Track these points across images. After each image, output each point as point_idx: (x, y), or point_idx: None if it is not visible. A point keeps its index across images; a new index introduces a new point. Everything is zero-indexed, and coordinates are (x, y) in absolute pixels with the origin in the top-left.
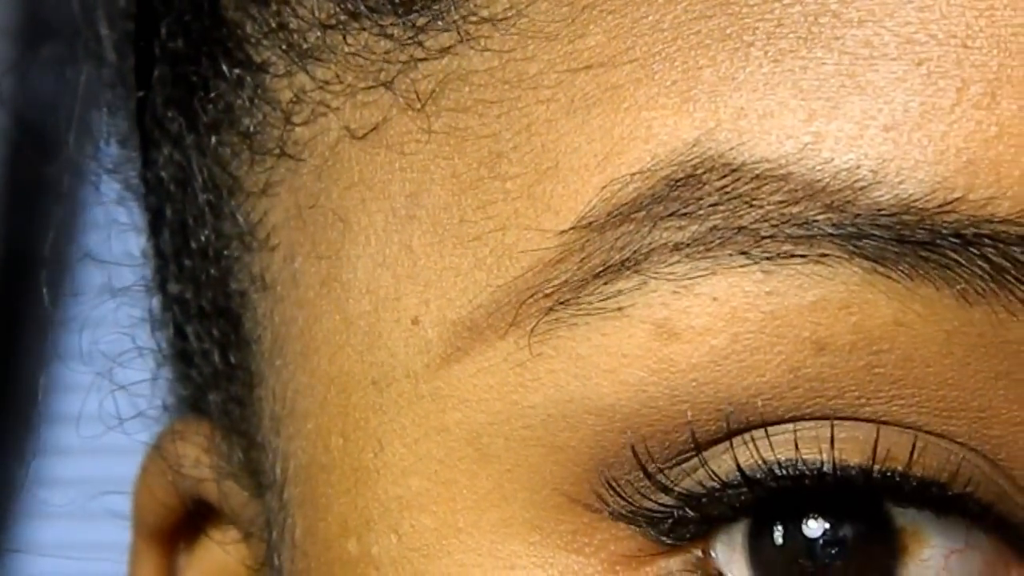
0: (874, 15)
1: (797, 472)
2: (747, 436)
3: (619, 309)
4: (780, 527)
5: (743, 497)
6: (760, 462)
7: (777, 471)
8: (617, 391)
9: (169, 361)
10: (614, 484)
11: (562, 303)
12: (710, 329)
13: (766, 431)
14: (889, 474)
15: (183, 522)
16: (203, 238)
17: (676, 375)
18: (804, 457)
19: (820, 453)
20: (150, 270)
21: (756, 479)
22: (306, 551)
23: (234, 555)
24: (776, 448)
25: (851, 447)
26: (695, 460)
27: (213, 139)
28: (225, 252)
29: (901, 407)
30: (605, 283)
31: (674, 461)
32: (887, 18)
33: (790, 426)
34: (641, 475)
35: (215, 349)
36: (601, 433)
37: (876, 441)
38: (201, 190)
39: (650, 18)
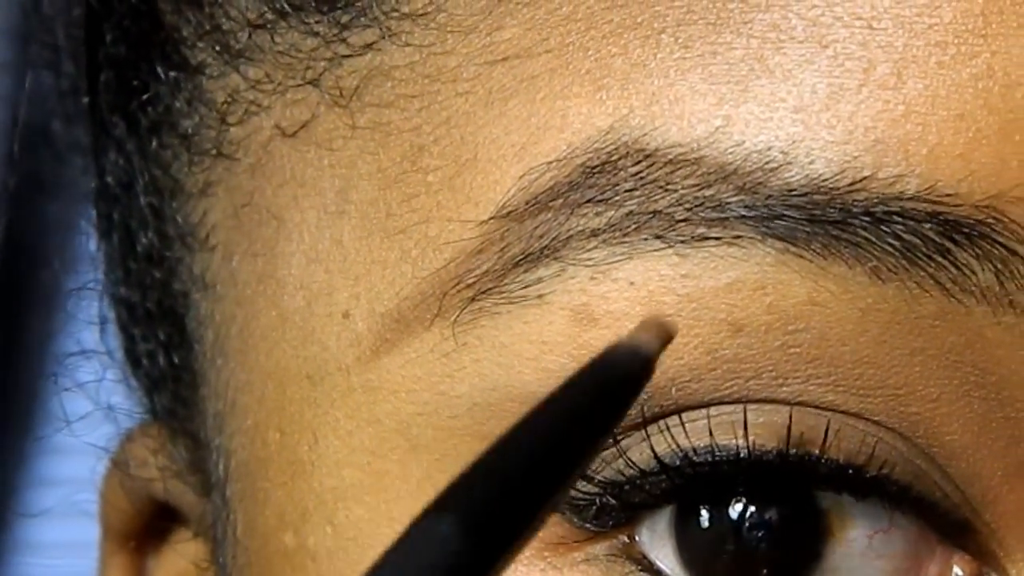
0: None
1: (714, 459)
2: (663, 424)
3: (539, 297)
4: (705, 511)
5: (663, 484)
6: (676, 449)
7: (694, 458)
8: (540, 378)
9: (121, 364)
10: None
11: (484, 292)
12: (628, 314)
13: (680, 418)
14: (805, 458)
15: (150, 524)
16: (146, 240)
17: None
18: (719, 443)
19: (735, 438)
20: (101, 274)
21: (674, 466)
22: (247, 546)
23: (190, 555)
24: (691, 435)
25: (767, 432)
26: (613, 449)
27: (154, 142)
28: (167, 254)
29: (818, 386)
30: (525, 271)
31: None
32: (794, 2)
33: (704, 411)
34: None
35: (160, 350)
36: None
37: (790, 425)
38: (143, 193)
39: (564, 9)
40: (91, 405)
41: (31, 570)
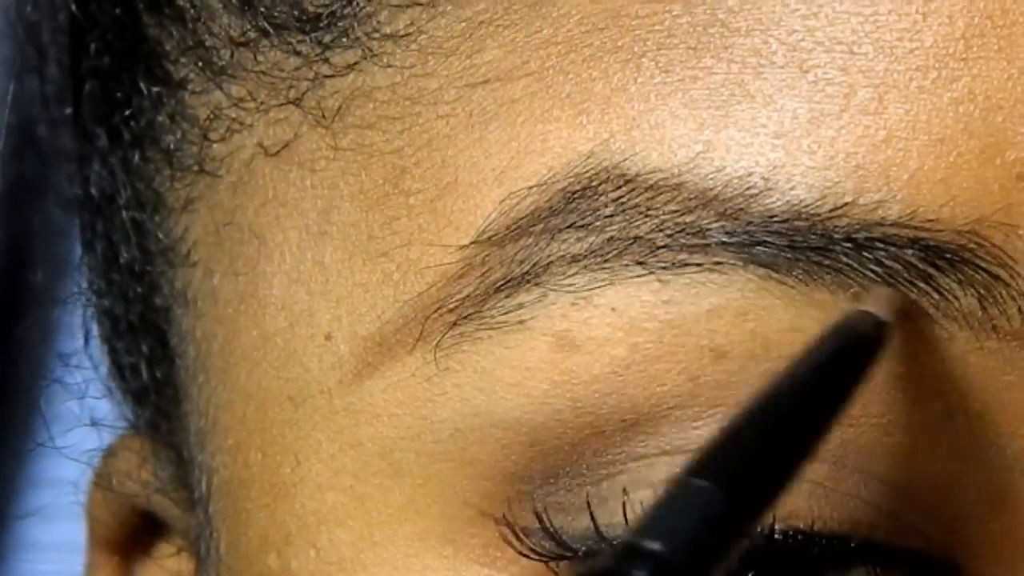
0: (761, 23)
1: None
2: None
3: (521, 322)
4: None
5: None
6: None
7: None
8: (522, 404)
9: (104, 375)
10: (523, 499)
11: (465, 317)
12: (609, 340)
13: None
14: (791, 537)
15: (134, 533)
16: (128, 254)
17: (579, 387)
18: None
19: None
20: (85, 284)
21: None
22: (230, 565)
23: (173, 567)
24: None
25: None
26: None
27: (136, 155)
28: (149, 268)
29: None
30: (506, 296)
31: (579, 480)
32: (774, 26)
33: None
34: (551, 489)
35: (143, 364)
36: (508, 446)
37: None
38: (126, 206)
39: (544, 32)
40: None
41: (31, 570)
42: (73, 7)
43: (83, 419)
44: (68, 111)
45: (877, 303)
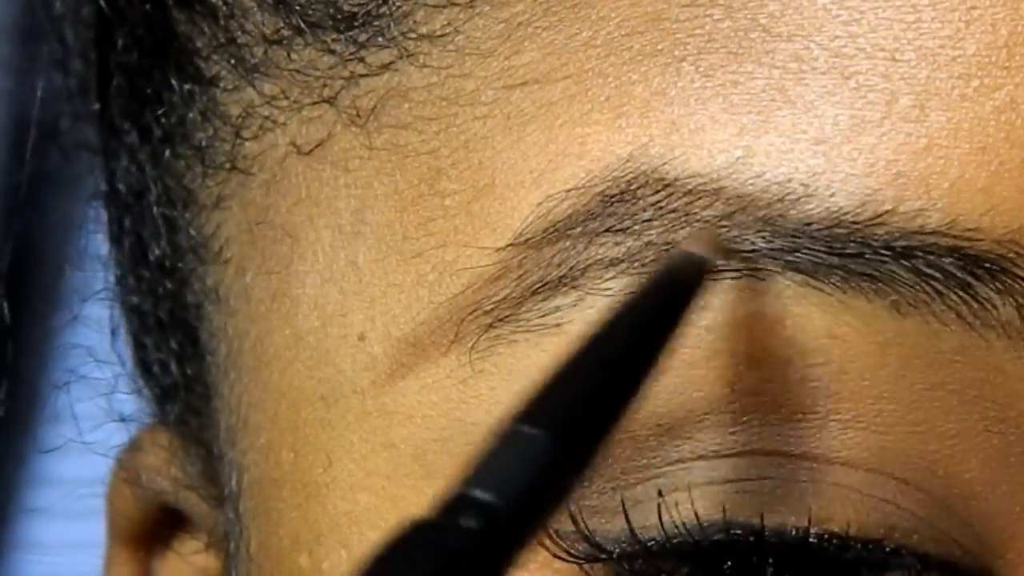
0: (803, 29)
1: (729, 536)
2: (676, 497)
3: (557, 325)
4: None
5: (677, 558)
6: (682, 526)
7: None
8: None
9: (130, 370)
10: None
11: (501, 320)
12: None
13: (691, 493)
14: (826, 540)
15: (156, 527)
16: (159, 250)
17: None
18: (733, 519)
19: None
20: (113, 280)
21: (684, 542)
22: (260, 564)
23: (199, 563)
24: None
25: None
26: (621, 519)
27: (167, 152)
28: (180, 264)
29: (837, 423)
30: (543, 299)
31: (613, 483)
32: (816, 32)
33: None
34: (585, 491)
35: (172, 361)
36: None
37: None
38: (156, 202)
39: (583, 34)
40: (92, 404)
41: (32, 568)
42: (101, 2)
43: (81, 418)
44: (95, 106)
45: (698, 244)
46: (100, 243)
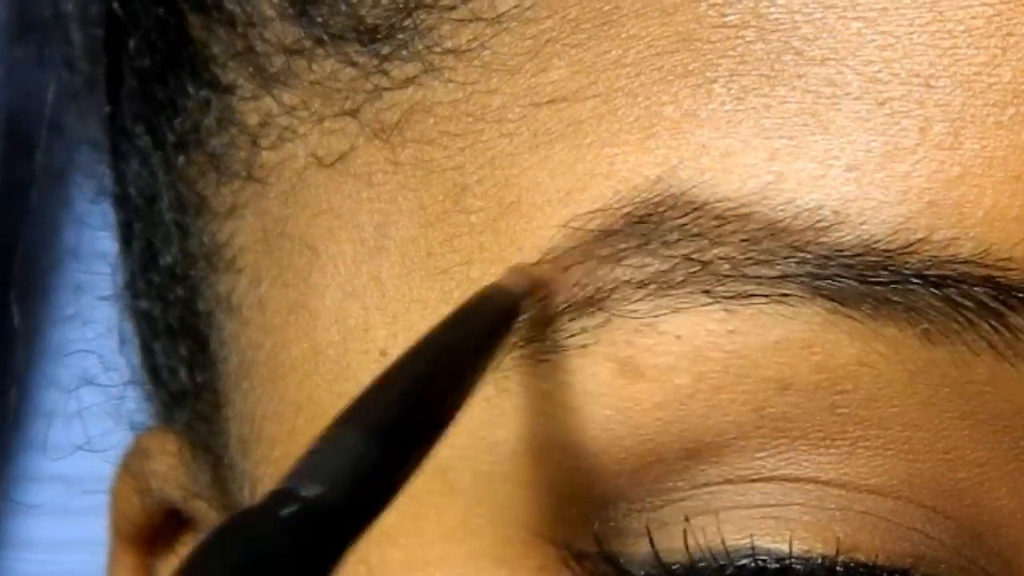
0: (837, 54)
1: (756, 564)
2: (703, 521)
3: (583, 347)
4: None
5: None
6: (707, 551)
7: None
8: (582, 429)
9: (137, 375)
10: (580, 522)
11: (527, 340)
12: (673, 368)
13: (718, 516)
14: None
15: (160, 528)
16: (170, 256)
17: (641, 414)
18: (759, 545)
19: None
20: (120, 282)
21: (709, 567)
22: None
23: None
24: (727, 535)
25: (812, 534)
26: (646, 542)
27: (180, 158)
28: (191, 271)
29: (866, 449)
30: (569, 320)
31: (638, 505)
32: (850, 57)
33: (745, 499)
34: (609, 513)
35: (182, 367)
36: (567, 472)
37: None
38: (168, 208)
39: (613, 53)
40: (83, 403)
41: (23, 566)
42: (114, 4)
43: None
44: (106, 109)
45: (513, 278)
46: (92, 240)
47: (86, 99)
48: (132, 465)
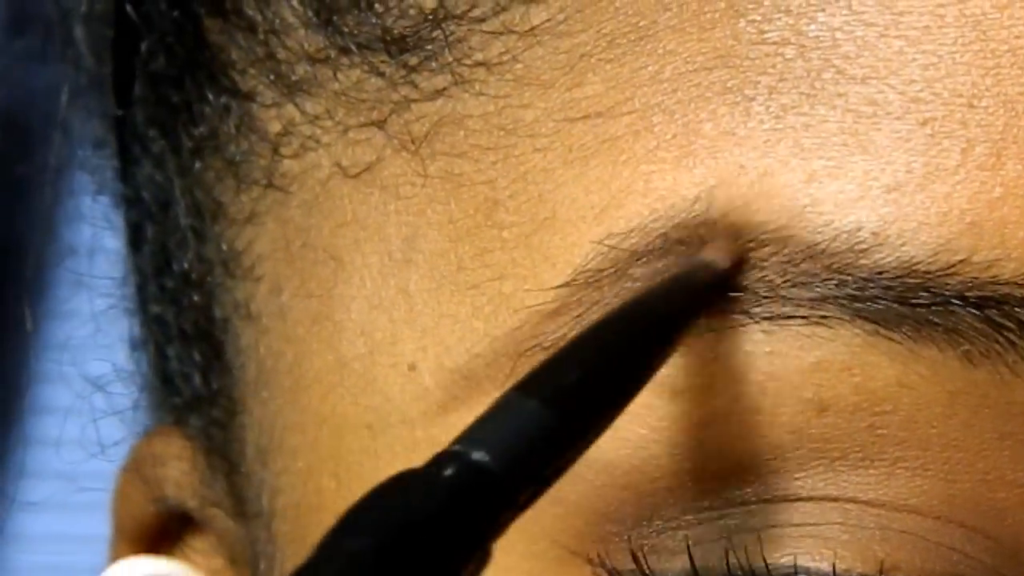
0: (878, 72)
1: None
2: (744, 539)
3: None
4: None
5: None
6: (747, 568)
7: None
8: (618, 447)
9: (147, 378)
10: (614, 540)
11: None
12: (711, 388)
13: (760, 536)
14: None
15: (163, 529)
16: (185, 261)
17: (677, 434)
18: (801, 564)
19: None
20: (129, 285)
21: None
22: None
23: (206, 564)
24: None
25: (853, 553)
26: (680, 559)
27: (197, 163)
28: (208, 278)
29: (905, 470)
30: None
31: (674, 523)
32: (891, 76)
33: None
34: (644, 530)
35: (196, 373)
36: (602, 488)
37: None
38: (184, 214)
39: (649, 68)
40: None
41: (18, 563)
42: (127, 5)
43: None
44: (118, 111)
45: (716, 252)
46: (86, 236)
47: (89, 97)
48: (143, 469)
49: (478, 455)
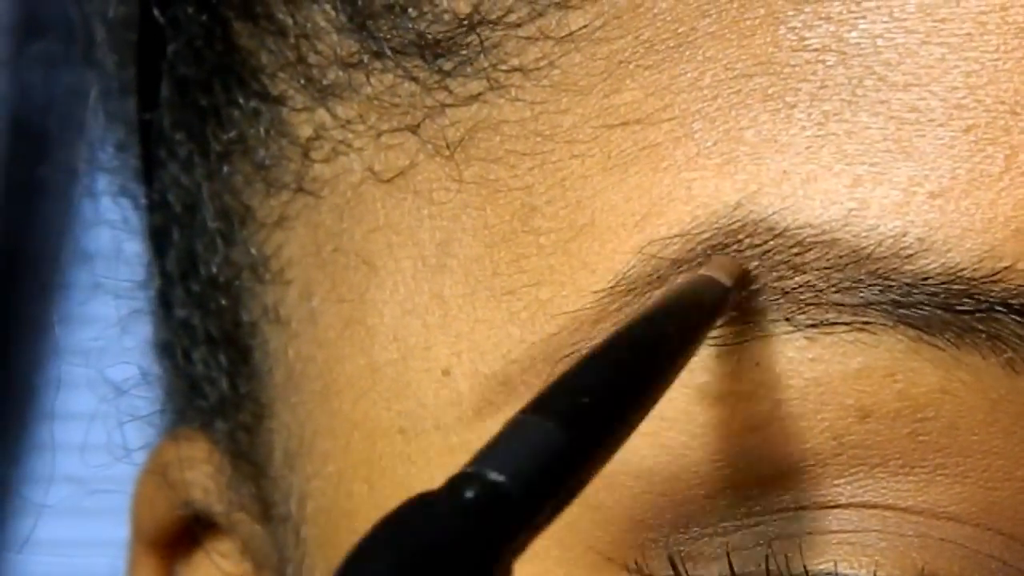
0: (920, 80)
1: None
2: (784, 545)
3: None
4: None
5: None
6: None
7: None
8: (656, 454)
9: (171, 382)
10: (652, 546)
11: None
12: (752, 394)
13: (800, 544)
14: None
15: (182, 532)
16: (212, 265)
17: (717, 440)
18: (842, 572)
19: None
20: (153, 288)
21: None
22: None
23: (228, 569)
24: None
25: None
26: (717, 565)
27: (225, 167)
28: (236, 282)
29: (945, 477)
30: None
31: (712, 530)
32: (934, 83)
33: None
34: (681, 537)
35: (223, 377)
36: (639, 496)
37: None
38: (211, 217)
39: (689, 75)
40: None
41: (29, 567)
42: (155, 9)
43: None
44: (139, 113)
45: (719, 270)
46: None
47: (110, 101)
48: (167, 473)
49: (495, 476)
